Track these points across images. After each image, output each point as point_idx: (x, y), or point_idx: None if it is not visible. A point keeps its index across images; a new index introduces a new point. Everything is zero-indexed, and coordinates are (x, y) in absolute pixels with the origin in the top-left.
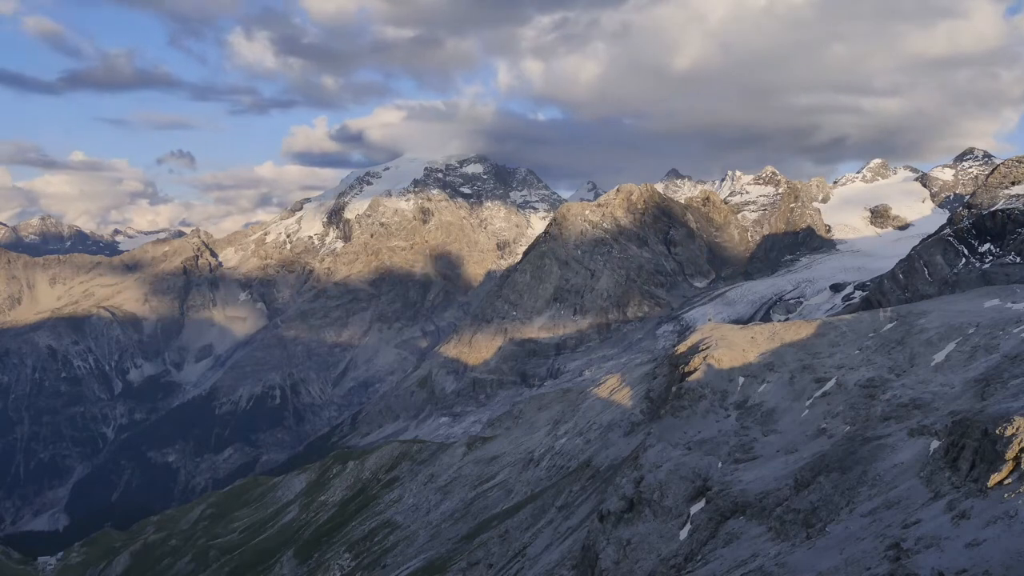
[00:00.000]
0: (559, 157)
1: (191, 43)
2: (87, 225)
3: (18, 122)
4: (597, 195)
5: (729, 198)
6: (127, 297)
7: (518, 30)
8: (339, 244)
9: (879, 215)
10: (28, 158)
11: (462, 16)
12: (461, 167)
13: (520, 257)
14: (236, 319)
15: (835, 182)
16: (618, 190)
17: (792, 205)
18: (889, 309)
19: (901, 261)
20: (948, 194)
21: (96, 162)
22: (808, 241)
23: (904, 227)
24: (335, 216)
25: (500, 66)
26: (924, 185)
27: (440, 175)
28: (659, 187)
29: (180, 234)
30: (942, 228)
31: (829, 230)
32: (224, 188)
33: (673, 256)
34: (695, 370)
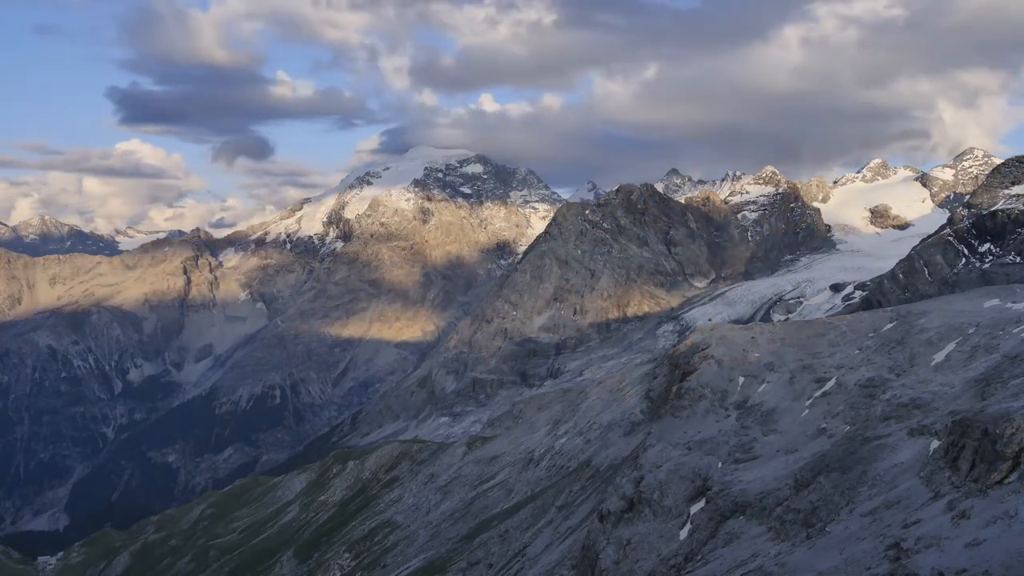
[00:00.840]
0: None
1: (326, 73)
2: (118, 223)
3: (106, 135)
4: (597, 195)
5: (729, 198)
6: (127, 297)
7: (647, 64)
8: (339, 244)
9: (879, 215)
10: (92, 165)
11: (600, 54)
12: (461, 167)
13: (520, 257)
14: (236, 319)
15: (835, 182)
16: (618, 190)
17: (792, 205)
18: (889, 309)
19: (901, 261)
20: (948, 194)
21: (158, 168)
22: (808, 241)
23: (904, 227)
24: (335, 216)
25: (588, 82)
26: (924, 185)
27: (440, 175)
28: (659, 187)
29: (180, 233)
30: (942, 228)
31: (829, 230)
32: (275, 191)
33: (673, 256)
34: (695, 370)
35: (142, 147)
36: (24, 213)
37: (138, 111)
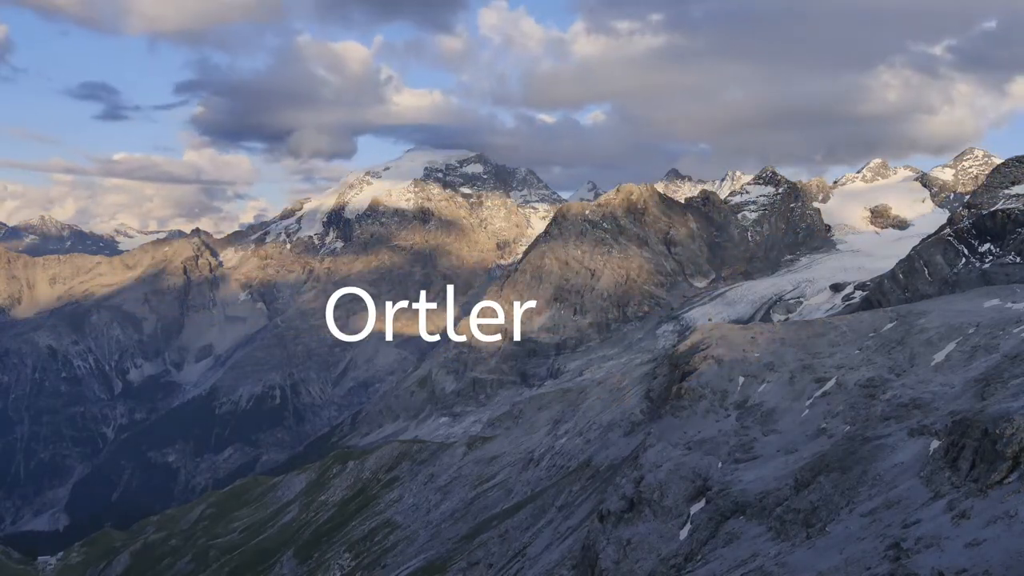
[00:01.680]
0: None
1: (438, 91)
2: (151, 224)
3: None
4: (597, 195)
5: (729, 198)
6: (127, 297)
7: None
8: (339, 244)
9: (879, 215)
10: (151, 173)
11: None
12: (461, 167)
13: (520, 257)
14: (236, 319)
15: (835, 182)
16: (618, 190)
17: (792, 205)
18: (889, 309)
19: (901, 261)
20: (948, 194)
21: (216, 177)
22: (808, 241)
23: (904, 227)
24: (335, 216)
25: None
26: (924, 185)
27: (440, 175)
28: (659, 187)
29: (180, 234)
30: (942, 228)
31: (829, 230)
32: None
33: (673, 256)
34: (695, 370)
35: (208, 155)
36: (63, 213)
37: (216, 128)
